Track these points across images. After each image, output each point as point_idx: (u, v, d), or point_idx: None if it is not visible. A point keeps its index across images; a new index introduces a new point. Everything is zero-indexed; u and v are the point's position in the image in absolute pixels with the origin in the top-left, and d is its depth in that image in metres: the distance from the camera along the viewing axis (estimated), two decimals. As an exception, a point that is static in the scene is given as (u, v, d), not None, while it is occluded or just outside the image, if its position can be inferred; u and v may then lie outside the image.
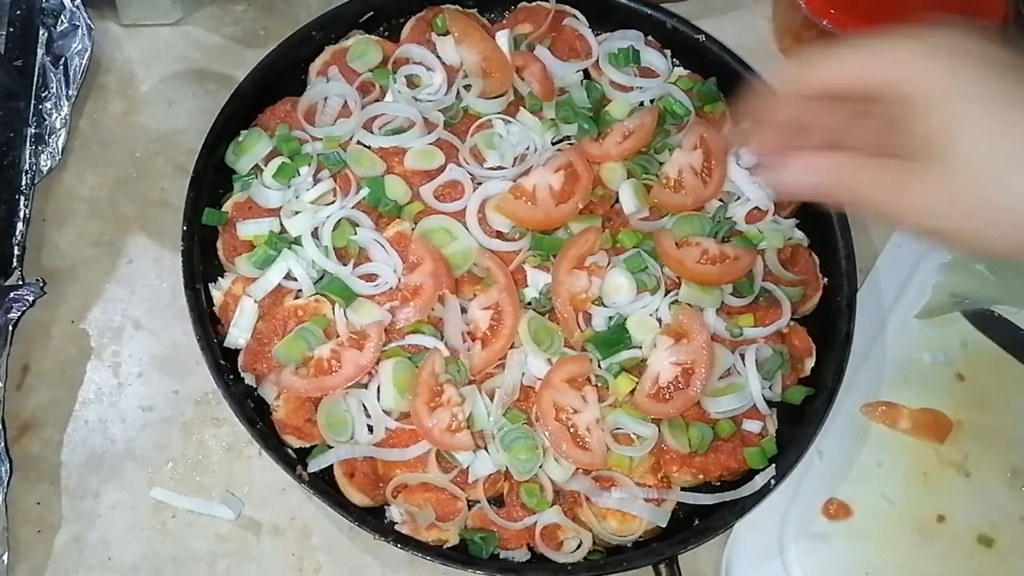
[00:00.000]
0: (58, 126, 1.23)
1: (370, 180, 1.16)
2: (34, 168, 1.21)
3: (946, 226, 0.71)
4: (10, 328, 1.11)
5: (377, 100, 1.23)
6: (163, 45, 1.36)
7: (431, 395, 1.04)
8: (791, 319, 1.18)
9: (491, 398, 1.07)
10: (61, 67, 1.26)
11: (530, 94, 1.25)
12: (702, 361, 1.08)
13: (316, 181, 1.16)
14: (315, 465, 1.03)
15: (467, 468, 1.05)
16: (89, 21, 1.27)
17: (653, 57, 1.32)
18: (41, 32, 1.28)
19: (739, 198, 1.23)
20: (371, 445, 1.05)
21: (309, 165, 1.15)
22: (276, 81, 1.23)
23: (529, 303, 1.15)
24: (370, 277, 1.12)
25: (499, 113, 1.23)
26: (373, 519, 1.03)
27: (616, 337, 1.12)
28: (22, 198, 1.18)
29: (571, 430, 1.06)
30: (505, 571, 1.04)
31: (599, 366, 1.11)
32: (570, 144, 1.23)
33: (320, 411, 1.05)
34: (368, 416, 1.06)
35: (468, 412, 1.05)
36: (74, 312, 1.19)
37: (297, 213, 1.13)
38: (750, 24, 1.48)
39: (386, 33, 1.31)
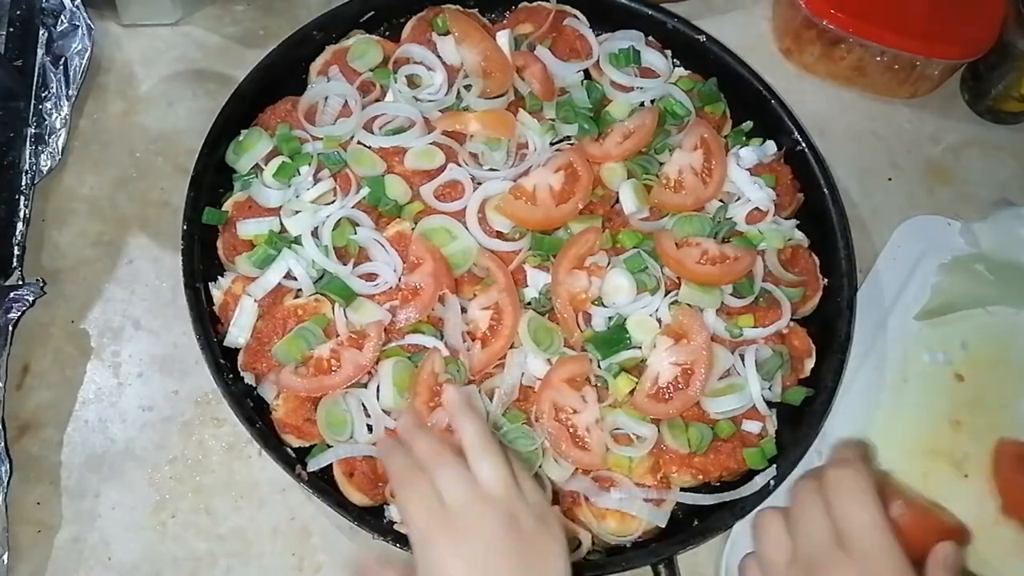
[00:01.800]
0: (58, 126, 1.23)
1: (370, 180, 1.16)
2: (34, 168, 1.21)
3: None
4: (10, 328, 1.11)
5: (377, 100, 1.23)
6: (163, 45, 1.36)
7: (430, 395, 1.04)
8: (791, 320, 1.18)
9: (491, 398, 1.07)
10: (61, 67, 1.26)
11: (530, 94, 1.25)
12: (702, 362, 1.08)
13: (316, 180, 1.16)
14: (315, 464, 1.03)
15: (467, 468, 1.05)
16: (89, 21, 1.27)
17: (653, 57, 1.32)
18: (41, 32, 1.28)
19: (739, 198, 1.23)
20: (371, 444, 1.05)
21: (309, 165, 1.15)
22: (276, 81, 1.23)
23: (529, 303, 1.15)
24: (370, 277, 1.12)
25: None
26: (372, 519, 1.03)
27: (616, 337, 1.12)
28: (22, 198, 1.18)
29: (570, 430, 1.06)
30: (505, 571, 1.04)
31: (599, 366, 1.11)
32: (570, 144, 1.23)
33: (319, 411, 1.05)
34: (368, 416, 1.06)
35: (468, 412, 1.05)
36: (74, 312, 1.19)
37: (297, 212, 1.13)
38: (750, 24, 1.48)
39: (387, 33, 1.31)
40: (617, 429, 1.09)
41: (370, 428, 1.06)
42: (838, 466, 0.86)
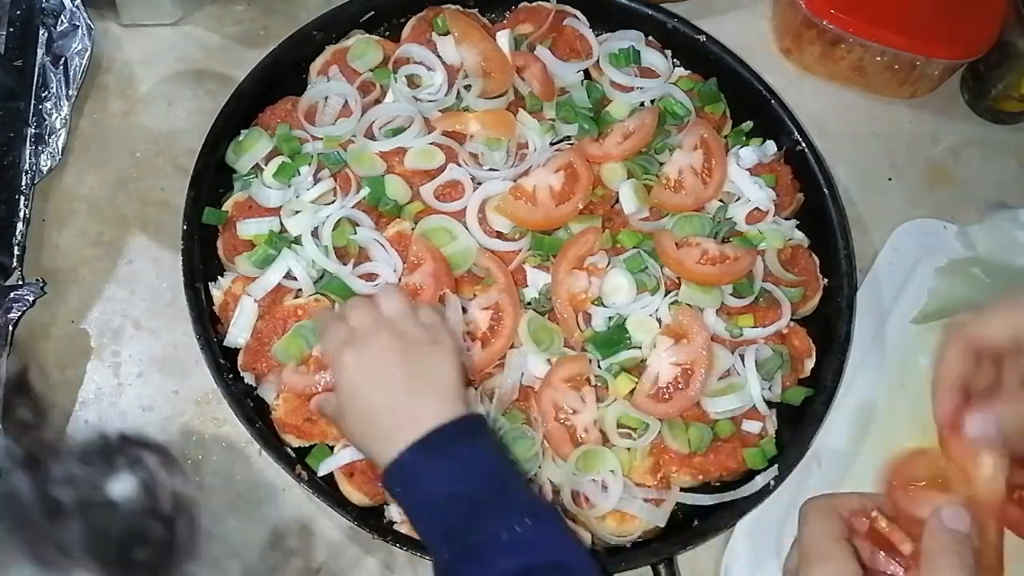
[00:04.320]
0: (58, 126, 1.23)
1: (370, 180, 1.16)
2: (34, 168, 1.21)
3: None
4: (10, 328, 1.11)
5: (378, 100, 1.23)
6: (163, 45, 1.35)
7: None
8: (791, 320, 1.18)
9: (490, 398, 1.07)
10: (61, 67, 1.25)
11: (530, 94, 1.25)
12: (701, 362, 1.09)
13: (316, 181, 1.16)
14: (325, 468, 1.04)
15: (467, 468, 1.05)
16: (89, 21, 1.27)
17: (654, 57, 1.32)
18: (41, 32, 1.28)
19: (739, 198, 1.23)
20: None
21: (309, 165, 1.15)
22: (277, 81, 1.23)
23: (529, 303, 1.15)
24: (370, 277, 1.12)
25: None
26: (373, 519, 1.03)
27: (616, 337, 1.12)
28: (22, 198, 1.18)
29: (570, 430, 1.07)
30: (505, 571, 1.04)
31: (599, 366, 1.11)
32: (570, 144, 1.23)
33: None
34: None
35: (467, 412, 1.05)
36: (74, 312, 1.18)
37: (297, 212, 1.13)
38: (750, 24, 1.48)
39: (387, 33, 1.31)
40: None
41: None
42: None
